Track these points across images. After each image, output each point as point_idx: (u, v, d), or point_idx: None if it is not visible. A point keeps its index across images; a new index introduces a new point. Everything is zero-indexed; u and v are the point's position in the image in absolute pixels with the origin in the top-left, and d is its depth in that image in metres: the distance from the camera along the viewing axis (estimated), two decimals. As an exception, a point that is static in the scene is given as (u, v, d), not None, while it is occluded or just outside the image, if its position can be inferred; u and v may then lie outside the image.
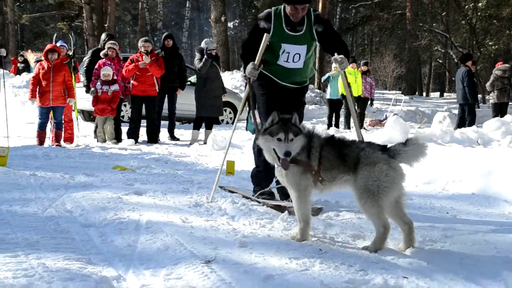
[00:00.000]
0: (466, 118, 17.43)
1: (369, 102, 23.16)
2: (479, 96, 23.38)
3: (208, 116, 14.08)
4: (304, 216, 5.00)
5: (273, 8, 6.19)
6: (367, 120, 21.83)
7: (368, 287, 3.94)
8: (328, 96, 19.84)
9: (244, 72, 6.18)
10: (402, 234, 4.91)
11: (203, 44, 14.12)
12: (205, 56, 13.63)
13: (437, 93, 47.74)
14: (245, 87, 6.43)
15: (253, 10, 39.39)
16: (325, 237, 5.21)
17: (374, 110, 27.43)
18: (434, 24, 42.75)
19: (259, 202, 6.43)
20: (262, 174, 6.58)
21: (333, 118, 19.85)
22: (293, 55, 6.06)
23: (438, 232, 5.53)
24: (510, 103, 18.74)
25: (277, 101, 6.09)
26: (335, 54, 6.14)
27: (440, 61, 48.27)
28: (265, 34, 5.94)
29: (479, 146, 11.82)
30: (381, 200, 4.75)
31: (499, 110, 17.76)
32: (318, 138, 5.13)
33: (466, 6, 41.10)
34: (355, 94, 19.62)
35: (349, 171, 4.92)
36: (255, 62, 6.00)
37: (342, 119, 20.60)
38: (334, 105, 19.84)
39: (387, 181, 4.77)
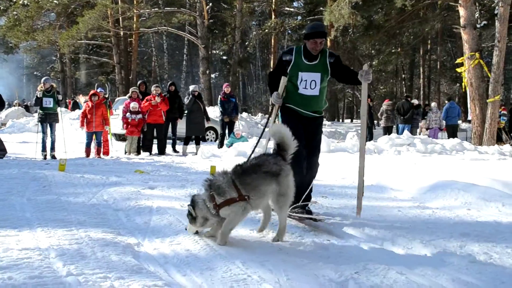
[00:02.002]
0: (367, 136, 17.61)
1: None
2: (375, 121, 23.63)
3: (192, 135, 14.06)
4: (230, 231, 4.06)
5: (295, 46, 5.28)
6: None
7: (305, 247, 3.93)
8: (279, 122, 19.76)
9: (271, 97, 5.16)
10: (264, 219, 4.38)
11: (191, 88, 14.30)
12: (190, 96, 13.87)
13: (349, 120, 48.10)
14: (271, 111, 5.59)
15: (228, 66, 39.41)
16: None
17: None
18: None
19: (290, 216, 4.93)
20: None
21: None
22: (310, 82, 5.05)
23: (349, 209, 5.55)
24: (394, 126, 18.96)
25: (299, 129, 4.97)
26: (364, 65, 5.14)
27: (350, 98, 48.83)
28: (282, 77, 5.05)
29: (375, 154, 11.95)
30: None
31: (387, 131, 18.00)
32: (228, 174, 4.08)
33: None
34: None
35: (272, 182, 4.08)
36: (279, 91, 5.09)
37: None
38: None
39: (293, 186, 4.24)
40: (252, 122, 25.11)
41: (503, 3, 14.27)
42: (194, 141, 14.24)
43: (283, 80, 5.06)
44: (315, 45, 4.99)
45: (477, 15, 20.80)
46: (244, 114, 26.44)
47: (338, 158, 10.60)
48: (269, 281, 3.17)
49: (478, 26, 16.06)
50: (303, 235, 4.36)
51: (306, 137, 5.11)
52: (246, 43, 37.38)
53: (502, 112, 18.22)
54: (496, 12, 15.44)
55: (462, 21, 15.19)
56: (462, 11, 15.15)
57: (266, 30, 33.47)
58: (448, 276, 3.34)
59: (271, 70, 5.38)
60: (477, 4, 21.17)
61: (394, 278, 3.27)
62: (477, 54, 14.94)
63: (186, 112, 14.31)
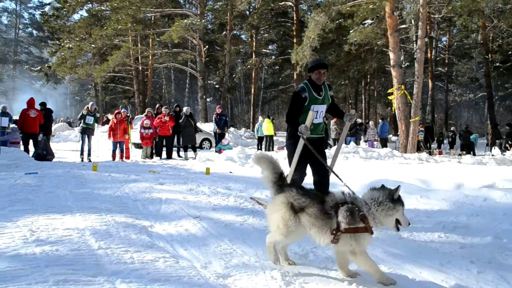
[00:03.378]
0: (324, 146, 17.58)
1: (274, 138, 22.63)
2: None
3: (186, 144, 13.87)
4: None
5: (302, 84, 4.49)
6: (275, 148, 21.19)
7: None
8: (258, 135, 19.74)
9: (295, 130, 4.31)
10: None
11: (184, 109, 14.12)
12: (183, 116, 13.76)
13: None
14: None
15: (219, 93, 39.20)
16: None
17: (279, 142, 27.25)
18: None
19: None
20: None
21: (260, 146, 19.56)
22: (320, 113, 4.46)
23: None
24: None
25: (303, 154, 4.42)
26: (350, 110, 4.70)
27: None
28: (310, 111, 4.26)
29: (329, 159, 11.95)
30: None
31: (335, 142, 17.92)
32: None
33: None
34: (270, 133, 19.00)
35: None
36: (307, 124, 4.20)
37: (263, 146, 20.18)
38: (260, 139, 19.61)
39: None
40: (237, 134, 25.34)
41: (420, 50, 14.63)
42: (192, 149, 14.14)
43: (312, 114, 4.26)
44: (319, 75, 4.39)
45: (402, 58, 21.19)
46: (232, 129, 26.43)
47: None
48: (249, 254, 3.18)
49: (403, 66, 16.37)
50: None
51: (313, 155, 4.25)
52: (233, 76, 37.63)
53: (420, 129, 18.50)
54: (415, 57, 15.84)
55: (391, 62, 15.43)
56: (391, 55, 15.39)
57: (249, 66, 33.96)
58: (382, 249, 3.40)
59: (289, 110, 4.50)
60: (402, 50, 21.69)
61: (342, 251, 3.29)
62: (402, 86, 15.16)
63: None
